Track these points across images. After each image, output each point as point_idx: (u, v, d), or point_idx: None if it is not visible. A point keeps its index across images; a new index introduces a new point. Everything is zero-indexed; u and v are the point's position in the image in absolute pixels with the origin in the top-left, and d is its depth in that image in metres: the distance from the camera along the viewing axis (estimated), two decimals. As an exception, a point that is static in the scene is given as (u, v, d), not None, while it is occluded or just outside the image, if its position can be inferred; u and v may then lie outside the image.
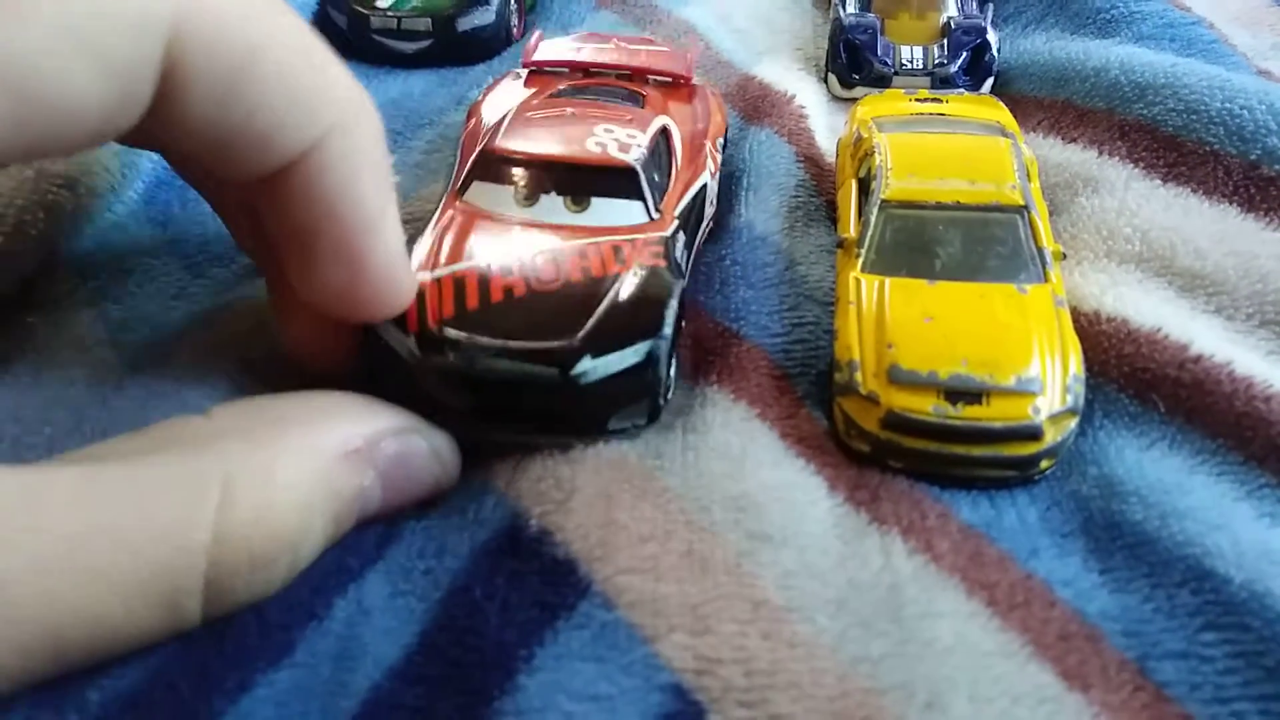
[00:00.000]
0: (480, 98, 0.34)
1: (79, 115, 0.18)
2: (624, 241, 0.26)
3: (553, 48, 0.36)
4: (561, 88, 0.33)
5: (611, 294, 0.24)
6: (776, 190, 0.34)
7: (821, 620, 0.21)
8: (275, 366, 0.25)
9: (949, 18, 0.42)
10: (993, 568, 0.22)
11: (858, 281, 0.27)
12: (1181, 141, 0.33)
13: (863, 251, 0.28)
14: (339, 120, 0.21)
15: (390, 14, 0.43)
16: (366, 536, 0.22)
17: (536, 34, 0.37)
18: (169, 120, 0.20)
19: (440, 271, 0.25)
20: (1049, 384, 0.24)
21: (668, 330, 0.24)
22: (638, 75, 0.35)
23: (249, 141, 0.20)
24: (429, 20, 0.43)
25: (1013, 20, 0.44)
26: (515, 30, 0.45)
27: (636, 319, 0.24)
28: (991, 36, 0.40)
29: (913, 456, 0.24)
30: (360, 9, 0.43)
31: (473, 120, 0.33)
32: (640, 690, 0.19)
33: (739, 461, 0.24)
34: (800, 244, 0.32)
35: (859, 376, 0.25)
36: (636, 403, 0.25)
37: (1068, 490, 0.24)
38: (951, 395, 0.24)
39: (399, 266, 0.23)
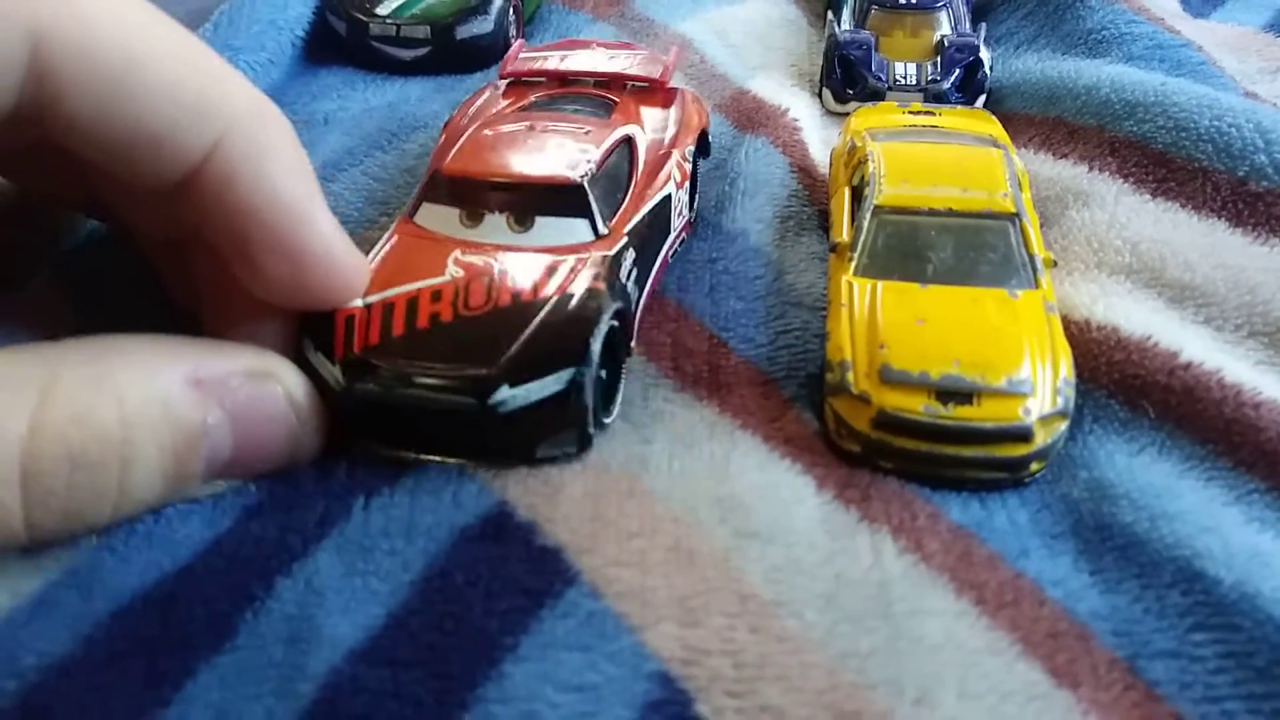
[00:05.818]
0: (457, 114, 0.33)
1: None
2: (560, 262, 0.25)
3: (531, 58, 0.36)
4: (532, 99, 0.33)
5: (538, 319, 0.24)
6: (770, 199, 0.34)
7: (810, 615, 0.21)
8: None
9: (943, 35, 0.42)
10: (982, 567, 0.22)
11: (850, 284, 0.27)
12: (1171, 158, 0.33)
13: (855, 255, 0.28)
14: (236, 122, 0.22)
15: (389, 21, 0.43)
16: (303, 513, 0.22)
17: (518, 43, 0.37)
18: (57, 126, 0.20)
19: (372, 297, 0.24)
20: (1039, 386, 0.24)
21: (593, 358, 0.23)
22: (615, 82, 0.34)
23: (142, 146, 0.21)
24: (428, 28, 0.43)
25: (1005, 40, 0.45)
26: (514, 39, 0.46)
27: (560, 346, 0.23)
28: (984, 54, 0.41)
29: (903, 457, 0.24)
30: (359, 16, 0.43)
31: (444, 137, 0.32)
32: (627, 679, 0.19)
33: (723, 466, 0.24)
34: (790, 252, 0.32)
35: (850, 376, 0.25)
36: (563, 431, 0.24)
37: (1058, 493, 0.24)
38: (942, 395, 0.24)
39: (341, 253, 0.24)
